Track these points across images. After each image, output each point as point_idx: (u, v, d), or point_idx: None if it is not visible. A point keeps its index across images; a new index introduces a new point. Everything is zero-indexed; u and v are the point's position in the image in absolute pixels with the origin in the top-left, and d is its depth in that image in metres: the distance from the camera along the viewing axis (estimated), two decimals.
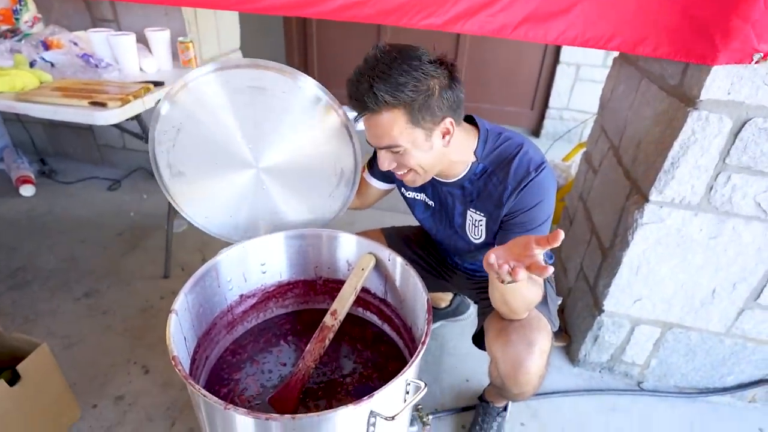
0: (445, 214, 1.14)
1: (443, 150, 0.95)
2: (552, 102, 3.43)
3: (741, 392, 1.47)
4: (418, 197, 1.17)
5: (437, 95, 0.87)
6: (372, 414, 0.78)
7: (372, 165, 1.21)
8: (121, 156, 2.82)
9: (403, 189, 1.21)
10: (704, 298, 1.32)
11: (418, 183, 1.02)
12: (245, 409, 0.72)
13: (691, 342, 1.41)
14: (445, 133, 0.93)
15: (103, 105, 1.46)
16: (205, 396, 0.73)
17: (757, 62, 0.96)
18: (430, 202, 1.15)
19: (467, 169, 1.02)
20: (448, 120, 0.91)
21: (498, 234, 1.03)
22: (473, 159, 1.01)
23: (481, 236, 1.08)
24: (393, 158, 0.96)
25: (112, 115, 1.46)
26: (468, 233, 1.11)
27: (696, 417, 1.44)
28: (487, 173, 1.01)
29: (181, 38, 1.93)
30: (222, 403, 0.72)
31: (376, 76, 0.83)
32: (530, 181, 0.96)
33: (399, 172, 0.99)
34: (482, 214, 1.05)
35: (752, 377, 1.45)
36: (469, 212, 1.07)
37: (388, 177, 1.19)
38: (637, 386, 1.54)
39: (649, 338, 1.44)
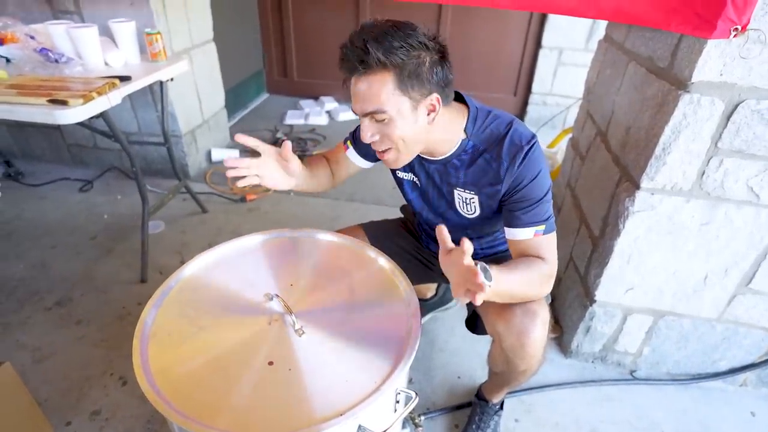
0: (433, 192, 1.12)
1: (427, 127, 0.94)
2: (535, 87, 3.39)
3: (733, 377, 1.47)
4: (406, 176, 1.15)
5: (427, 66, 0.86)
6: (360, 429, 0.73)
7: (356, 141, 1.18)
8: (93, 155, 2.70)
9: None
10: (696, 284, 1.30)
11: (400, 163, 0.99)
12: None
13: (683, 329, 1.39)
14: (431, 110, 0.92)
15: (63, 103, 1.37)
16: (174, 422, 0.67)
17: (735, 36, 0.93)
18: (418, 181, 1.13)
19: (456, 146, 1.01)
20: (435, 96, 0.90)
21: (504, 213, 1.01)
22: (463, 136, 1.00)
23: (474, 212, 1.08)
24: (377, 129, 0.92)
25: (74, 114, 1.37)
26: (460, 210, 1.10)
27: (689, 403, 1.44)
28: (478, 151, 1.00)
29: (148, 30, 1.82)
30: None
31: (370, 37, 0.83)
32: (525, 154, 0.95)
33: (380, 149, 0.96)
34: (472, 192, 1.04)
35: (743, 362, 1.45)
36: (456, 191, 1.07)
37: (370, 154, 1.16)
38: (629, 375, 1.52)
39: (641, 327, 1.42)
